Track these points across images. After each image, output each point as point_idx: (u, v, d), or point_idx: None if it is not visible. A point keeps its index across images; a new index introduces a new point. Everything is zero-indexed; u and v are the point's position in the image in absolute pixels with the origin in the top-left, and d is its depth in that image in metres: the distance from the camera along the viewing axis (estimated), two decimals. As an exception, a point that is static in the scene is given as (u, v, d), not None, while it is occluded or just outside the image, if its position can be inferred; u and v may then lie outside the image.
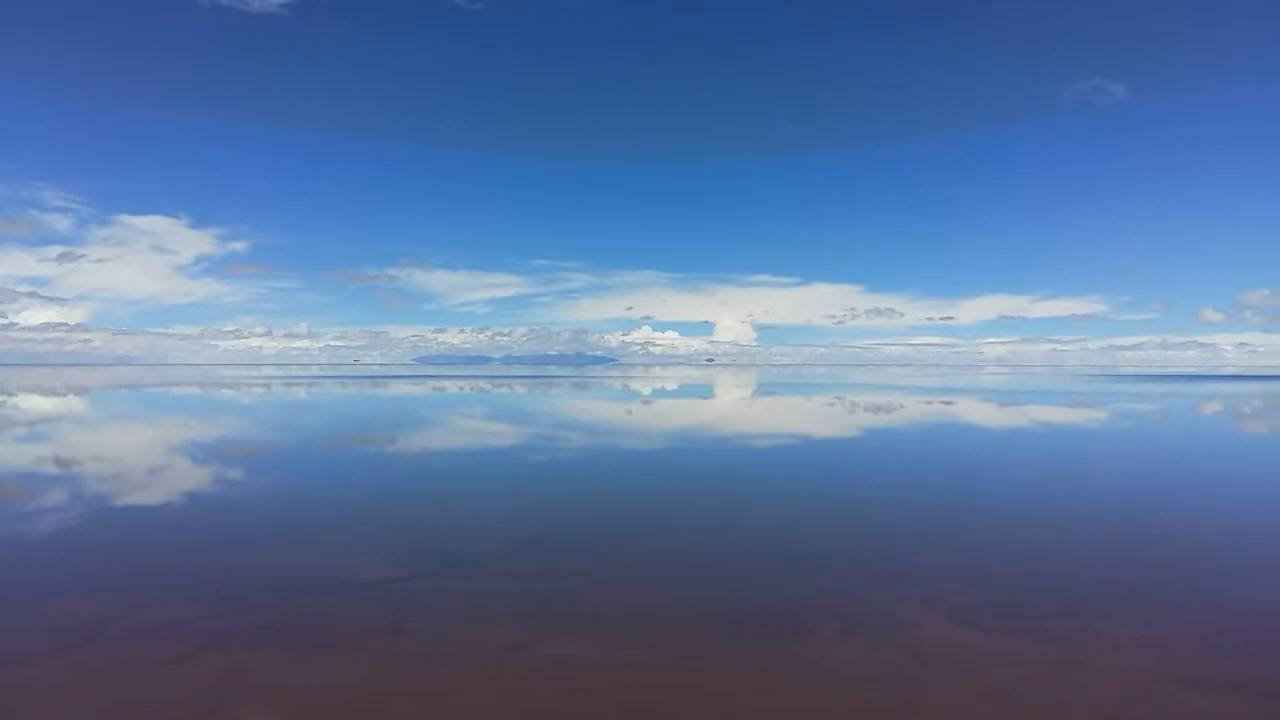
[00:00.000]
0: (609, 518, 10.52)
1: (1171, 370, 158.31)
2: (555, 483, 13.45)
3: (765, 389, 58.03)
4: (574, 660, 5.46)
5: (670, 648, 5.67)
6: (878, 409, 33.01)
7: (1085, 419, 27.80)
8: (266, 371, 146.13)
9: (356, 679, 5.14)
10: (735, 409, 35.66)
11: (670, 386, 65.46)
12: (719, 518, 10.47)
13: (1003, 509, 10.85)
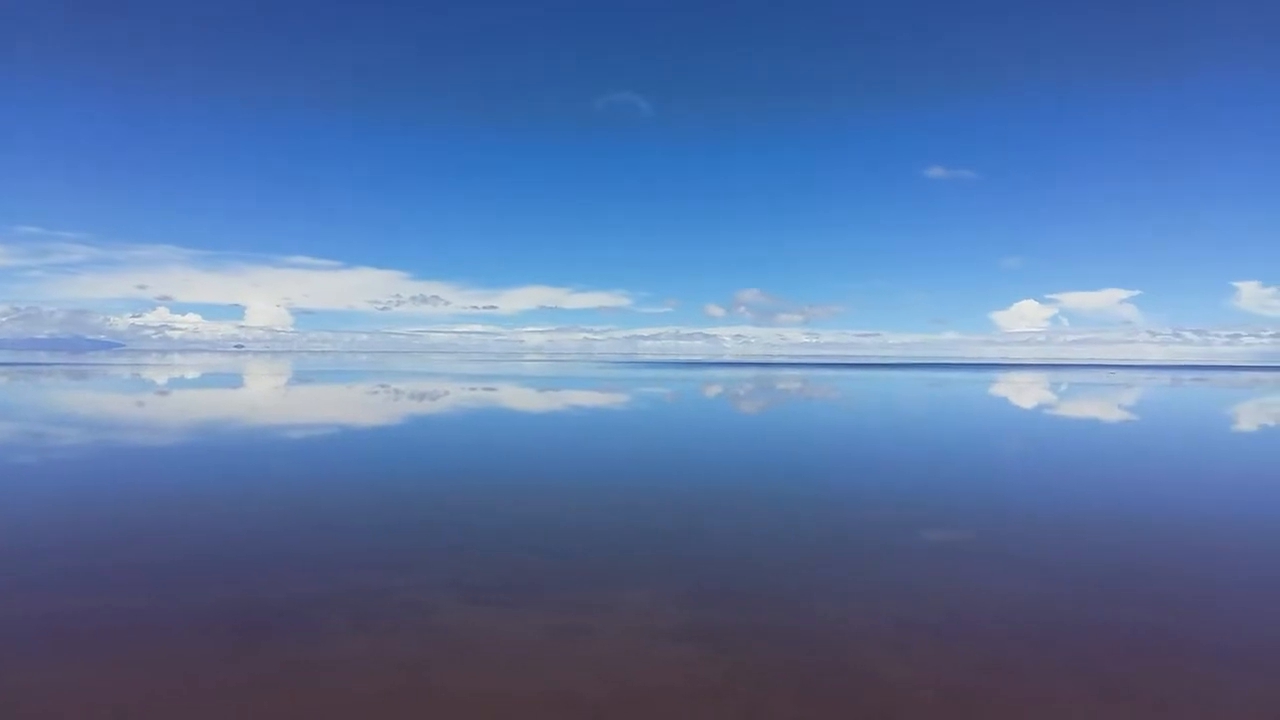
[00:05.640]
0: (91, 521, 9.09)
1: (683, 357, 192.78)
2: (22, 486, 11.43)
3: (296, 378, 53.55)
4: (44, 687, 4.63)
5: (165, 658, 5.01)
6: (419, 396, 31.25)
7: (605, 401, 31.37)
8: None
9: None
10: (256, 399, 32.75)
11: (188, 375, 56.34)
12: (227, 515, 9.44)
13: (515, 489, 11.35)
